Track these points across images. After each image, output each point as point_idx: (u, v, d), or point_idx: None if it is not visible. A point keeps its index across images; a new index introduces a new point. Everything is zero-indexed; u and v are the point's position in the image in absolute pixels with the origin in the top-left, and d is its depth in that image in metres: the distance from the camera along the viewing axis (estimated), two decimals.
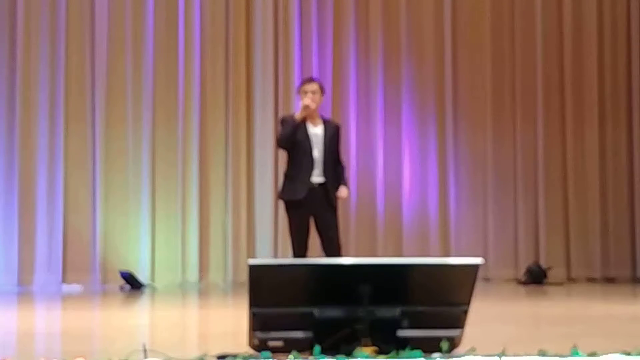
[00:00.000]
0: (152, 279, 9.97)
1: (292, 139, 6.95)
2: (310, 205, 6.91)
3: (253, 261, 4.14)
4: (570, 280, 10.63)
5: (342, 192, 7.12)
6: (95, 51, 10.09)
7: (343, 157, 7.22)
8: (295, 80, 10.34)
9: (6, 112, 9.89)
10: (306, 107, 6.97)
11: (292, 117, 7.13)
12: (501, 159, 10.84)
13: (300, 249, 6.94)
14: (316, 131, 7.06)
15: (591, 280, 10.66)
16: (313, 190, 6.91)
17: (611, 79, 10.97)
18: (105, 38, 10.12)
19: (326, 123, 7.18)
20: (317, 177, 6.95)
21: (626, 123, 10.97)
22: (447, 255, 10.44)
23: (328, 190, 7.00)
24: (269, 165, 10.32)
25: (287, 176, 7.09)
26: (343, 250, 7.22)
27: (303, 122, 7.00)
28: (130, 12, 10.19)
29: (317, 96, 7.08)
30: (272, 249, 10.26)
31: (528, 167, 10.86)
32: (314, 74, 10.33)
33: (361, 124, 10.60)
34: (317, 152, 6.97)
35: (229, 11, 10.39)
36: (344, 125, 9.65)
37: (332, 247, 7.06)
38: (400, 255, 10.35)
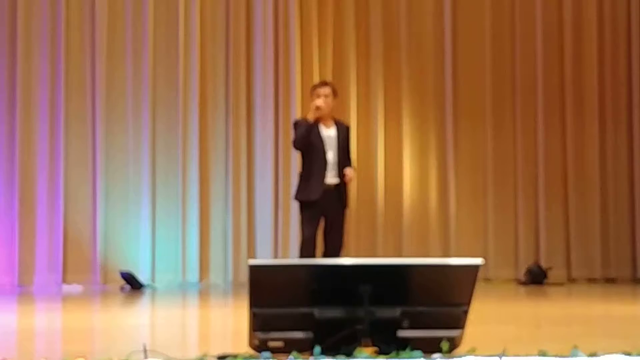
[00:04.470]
0: (152, 279, 9.97)
1: (307, 140, 7.05)
2: (323, 206, 7.04)
3: (253, 261, 4.14)
4: (571, 280, 10.62)
5: (349, 171, 7.11)
6: (95, 51, 10.08)
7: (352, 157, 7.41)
8: (296, 80, 10.35)
9: (6, 112, 9.89)
10: (317, 108, 7.06)
11: (305, 119, 7.21)
12: (501, 159, 10.83)
13: (307, 246, 6.98)
14: (329, 133, 7.15)
15: (591, 280, 10.65)
16: (327, 191, 7.03)
17: (611, 79, 10.96)
18: (105, 38, 10.11)
19: (338, 125, 7.29)
20: (331, 179, 7.06)
21: (626, 123, 10.96)
22: (447, 255, 10.44)
23: (341, 191, 7.09)
24: (269, 165, 10.32)
25: (302, 177, 7.19)
26: (343, 250, 7.26)
27: (316, 123, 7.08)
28: (130, 12, 10.18)
29: (329, 99, 7.18)
30: (272, 249, 10.26)
31: (528, 167, 10.85)
32: (314, 73, 10.34)
33: (361, 123, 10.59)
34: (331, 154, 7.09)
35: (229, 11, 10.38)
36: None
37: (333, 246, 7.11)
38: (400, 255, 10.35)
